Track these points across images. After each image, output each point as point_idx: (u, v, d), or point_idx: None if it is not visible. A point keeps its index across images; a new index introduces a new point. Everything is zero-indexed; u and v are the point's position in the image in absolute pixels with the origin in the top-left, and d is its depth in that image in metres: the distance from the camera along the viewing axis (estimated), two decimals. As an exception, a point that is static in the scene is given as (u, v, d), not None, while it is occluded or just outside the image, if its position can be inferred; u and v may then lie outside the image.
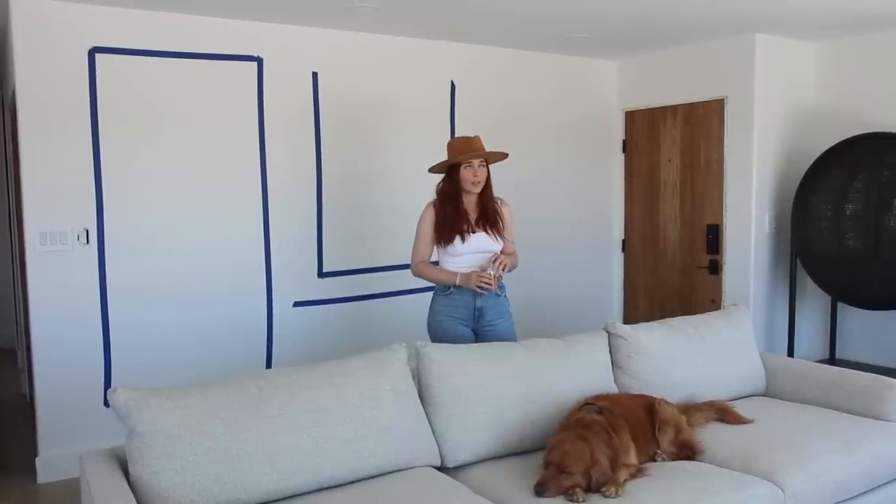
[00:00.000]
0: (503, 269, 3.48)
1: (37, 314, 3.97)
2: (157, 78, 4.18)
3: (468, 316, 3.53)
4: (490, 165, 3.59)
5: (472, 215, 3.57)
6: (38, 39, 3.88)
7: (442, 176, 3.62)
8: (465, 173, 3.50)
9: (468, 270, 3.49)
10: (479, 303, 3.52)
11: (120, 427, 2.35)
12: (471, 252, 3.51)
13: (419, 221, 3.61)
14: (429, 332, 3.60)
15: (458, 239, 3.50)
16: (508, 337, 3.54)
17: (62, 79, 3.94)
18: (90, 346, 4.07)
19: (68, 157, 3.97)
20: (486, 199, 3.58)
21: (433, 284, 3.64)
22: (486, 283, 3.41)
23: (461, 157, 3.50)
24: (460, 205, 3.54)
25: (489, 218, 3.56)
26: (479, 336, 3.56)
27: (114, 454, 2.49)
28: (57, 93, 3.93)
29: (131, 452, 2.29)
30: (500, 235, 3.58)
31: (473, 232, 3.53)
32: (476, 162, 3.50)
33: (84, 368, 4.05)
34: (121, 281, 4.12)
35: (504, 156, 3.66)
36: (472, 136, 3.62)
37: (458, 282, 3.48)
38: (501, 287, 3.59)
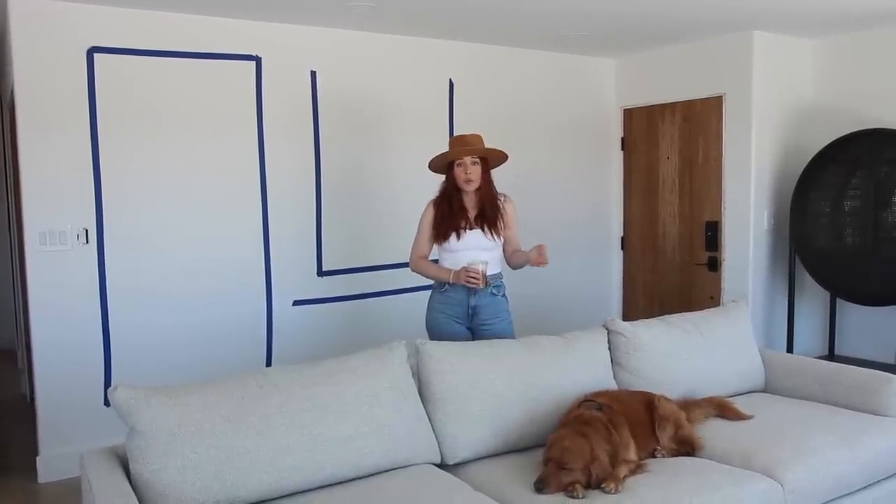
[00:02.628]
0: (542, 260, 3.46)
1: (36, 314, 3.97)
2: (155, 77, 4.18)
3: (462, 314, 3.54)
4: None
5: (471, 213, 3.57)
6: (36, 39, 3.88)
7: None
8: (457, 171, 3.51)
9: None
10: (472, 301, 3.53)
11: (120, 426, 2.36)
12: (467, 249, 3.52)
13: (420, 218, 3.63)
14: (427, 329, 3.61)
15: (453, 236, 3.52)
16: (506, 336, 3.52)
17: (61, 78, 3.94)
18: (90, 346, 4.07)
19: (67, 157, 3.97)
20: (484, 198, 3.57)
21: (431, 282, 3.65)
22: (473, 277, 3.41)
23: (450, 154, 3.52)
24: (456, 202, 3.55)
25: (487, 216, 3.56)
26: (475, 334, 3.56)
27: (114, 453, 2.49)
28: (56, 92, 3.93)
29: (132, 451, 2.30)
30: (498, 234, 3.58)
31: (470, 229, 3.54)
32: (468, 160, 3.49)
33: (84, 368, 4.06)
34: (121, 280, 4.13)
35: (503, 157, 3.64)
36: (471, 134, 3.62)
37: (451, 279, 3.49)
38: (499, 287, 3.60)
